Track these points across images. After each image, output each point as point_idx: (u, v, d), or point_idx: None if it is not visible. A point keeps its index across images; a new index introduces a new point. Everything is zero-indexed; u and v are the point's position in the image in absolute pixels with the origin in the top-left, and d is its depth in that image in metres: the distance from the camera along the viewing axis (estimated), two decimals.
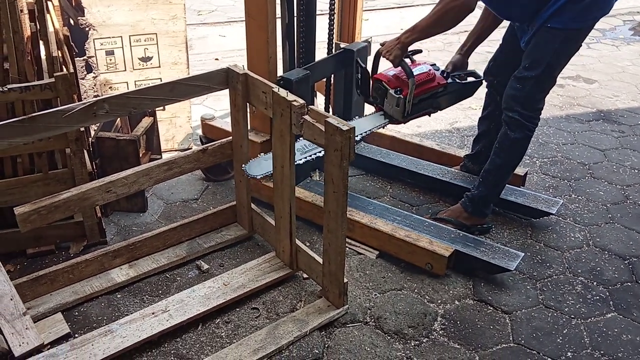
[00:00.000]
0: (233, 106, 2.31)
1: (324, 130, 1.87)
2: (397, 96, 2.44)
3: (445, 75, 2.60)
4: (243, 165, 2.32)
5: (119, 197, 2.21)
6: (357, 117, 2.73)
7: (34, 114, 1.96)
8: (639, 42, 5.61)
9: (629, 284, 2.42)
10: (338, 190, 1.91)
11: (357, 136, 2.45)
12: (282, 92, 2.02)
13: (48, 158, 2.39)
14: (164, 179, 2.30)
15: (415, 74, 2.45)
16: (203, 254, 2.47)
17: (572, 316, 2.24)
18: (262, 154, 2.38)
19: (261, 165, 2.31)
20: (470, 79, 2.71)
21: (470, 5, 2.30)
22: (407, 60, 2.49)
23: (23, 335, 1.87)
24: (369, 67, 2.62)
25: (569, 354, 2.07)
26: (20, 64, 2.29)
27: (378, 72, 2.58)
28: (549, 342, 2.12)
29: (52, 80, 2.17)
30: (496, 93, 2.73)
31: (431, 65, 2.59)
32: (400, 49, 2.44)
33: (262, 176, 2.29)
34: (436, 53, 4.99)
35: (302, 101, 1.97)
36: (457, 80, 2.65)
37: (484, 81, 2.74)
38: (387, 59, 2.48)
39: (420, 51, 2.59)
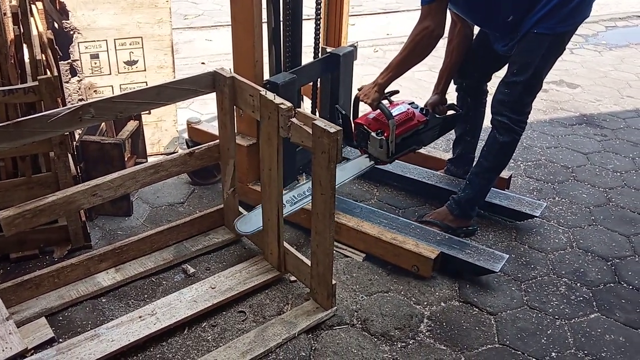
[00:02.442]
0: (220, 109, 2.32)
1: (311, 132, 1.88)
2: (379, 138, 2.48)
3: (424, 112, 2.64)
4: (234, 222, 2.40)
5: (105, 200, 2.19)
6: (342, 161, 2.75)
7: (19, 119, 1.94)
8: (620, 47, 5.71)
9: (612, 285, 2.45)
10: (326, 192, 1.91)
11: (343, 181, 2.53)
12: (270, 95, 2.03)
13: (32, 162, 2.37)
14: (150, 182, 2.29)
15: (394, 114, 2.49)
16: (190, 257, 2.46)
17: (556, 317, 2.26)
18: (255, 208, 2.41)
19: (252, 222, 2.35)
20: (450, 112, 2.77)
21: (439, 31, 2.34)
22: (386, 102, 2.53)
23: (6, 340, 1.86)
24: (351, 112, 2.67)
25: (553, 354, 2.10)
26: (4, 67, 2.27)
27: (359, 116, 2.62)
28: (533, 343, 2.14)
29: (36, 83, 2.16)
30: (466, 95, 2.79)
31: (409, 103, 2.63)
32: (377, 92, 2.47)
33: (252, 233, 2.36)
34: None
35: (289, 104, 1.97)
36: (437, 116, 2.70)
37: (454, 84, 2.79)
38: (365, 102, 2.51)
39: (397, 92, 2.63)
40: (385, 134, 2.48)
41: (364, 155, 2.64)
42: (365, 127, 2.54)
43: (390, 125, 2.45)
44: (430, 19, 2.32)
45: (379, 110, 2.50)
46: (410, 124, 2.57)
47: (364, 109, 2.59)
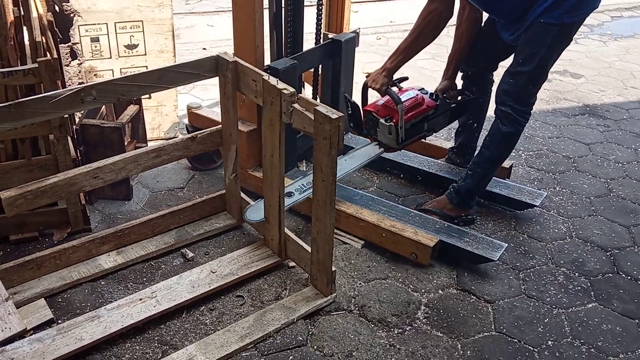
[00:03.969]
0: (223, 94, 2.31)
1: (313, 118, 1.87)
2: (388, 124, 2.46)
3: (434, 97, 2.62)
4: (244, 211, 2.40)
5: (106, 183, 2.19)
6: (353, 149, 2.73)
7: (21, 100, 1.94)
8: (626, 38, 5.67)
9: (610, 275, 2.46)
10: (327, 178, 1.91)
11: (352, 169, 2.54)
12: (273, 80, 2.02)
13: (31, 144, 2.37)
14: (152, 166, 2.29)
15: (403, 99, 2.47)
16: (191, 241, 2.47)
17: (554, 306, 2.27)
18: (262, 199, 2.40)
19: (262, 210, 2.34)
20: (460, 97, 2.75)
21: (448, 13, 2.32)
22: (395, 88, 2.51)
23: (5, 321, 1.87)
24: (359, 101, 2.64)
25: (550, 342, 2.11)
26: (3, 49, 2.26)
27: (368, 104, 2.60)
28: (530, 331, 2.15)
29: (36, 65, 2.15)
30: (471, 84, 2.77)
31: (419, 89, 2.61)
32: (385, 76, 2.45)
33: (260, 221, 2.34)
34: None
35: (292, 89, 1.97)
36: (448, 101, 2.67)
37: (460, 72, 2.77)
38: (374, 88, 2.49)
39: (406, 78, 2.61)
40: (394, 120, 2.46)
41: (374, 143, 2.62)
42: (374, 114, 2.52)
43: (399, 110, 2.43)
44: (439, 1, 2.30)
45: (388, 97, 2.48)
46: (420, 110, 2.55)
47: (373, 95, 2.57)
